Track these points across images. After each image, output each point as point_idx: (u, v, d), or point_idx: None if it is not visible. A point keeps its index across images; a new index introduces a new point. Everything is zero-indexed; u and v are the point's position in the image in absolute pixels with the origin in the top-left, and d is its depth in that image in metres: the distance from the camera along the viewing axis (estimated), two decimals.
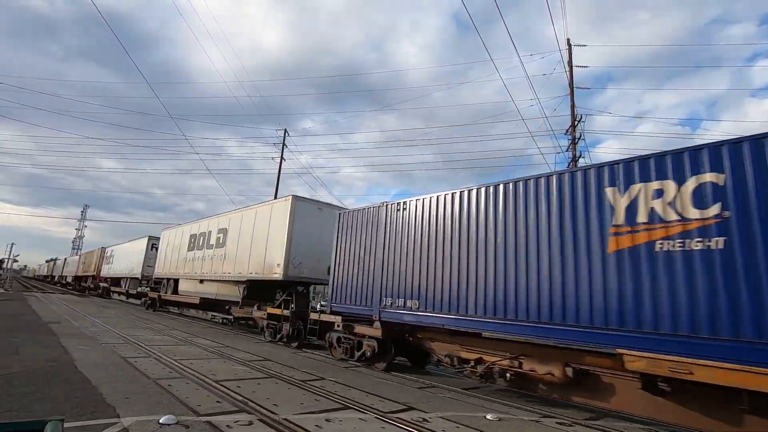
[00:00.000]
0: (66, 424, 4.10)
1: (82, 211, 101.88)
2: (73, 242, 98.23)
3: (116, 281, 30.69)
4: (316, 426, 4.72)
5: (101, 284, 34.10)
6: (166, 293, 20.81)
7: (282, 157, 31.21)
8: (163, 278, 21.43)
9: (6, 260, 46.09)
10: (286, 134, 31.92)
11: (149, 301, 23.31)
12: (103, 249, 34.65)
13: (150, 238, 24.88)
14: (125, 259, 28.33)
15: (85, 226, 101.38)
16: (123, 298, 29.97)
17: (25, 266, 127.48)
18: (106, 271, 32.60)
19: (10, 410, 4.53)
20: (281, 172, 30.90)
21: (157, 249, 23.95)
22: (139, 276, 24.69)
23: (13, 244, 47.66)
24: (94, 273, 35.16)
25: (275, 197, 28.78)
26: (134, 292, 25.95)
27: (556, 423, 5.69)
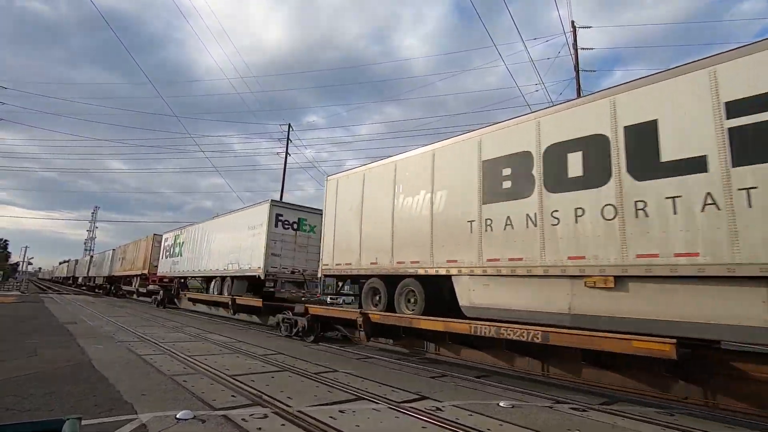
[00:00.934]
0: (85, 422, 4.18)
1: (92, 213, 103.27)
2: (85, 243, 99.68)
3: (172, 281, 23.43)
4: (331, 417, 4.76)
5: (155, 286, 25.49)
6: (390, 312, 9.29)
7: (287, 152, 31.28)
8: (356, 276, 10.71)
9: (21, 263, 47.06)
10: (290, 129, 31.94)
11: (304, 322, 11.59)
12: (157, 236, 26.37)
13: (273, 205, 14.79)
14: (213, 246, 18.31)
15: (96, 227, 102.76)
16: (210, 309, 19.29)
17: (40, 268, 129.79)
18: (168, 267, 23.51)
19: (30, 410, 4.62)
20: (287, 166, 30.99)
21: (286, 224, 14.81)
22: (256, 272, 14.43)
23: (27, 247, 48.64)
24: (144, 271, 26.19)
25: (281, 192, 28.96)
26: (254, 302, 14.70)
27: (570, 408, 5.68)
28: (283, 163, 31.24)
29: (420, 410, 5.21)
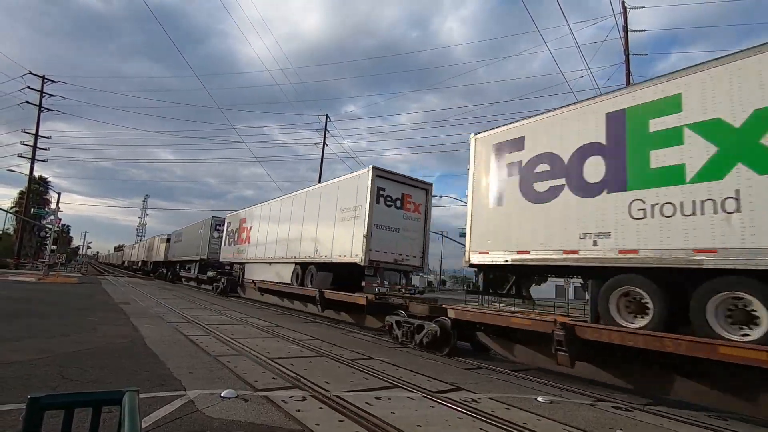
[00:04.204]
0: (140, 395, 4.49)
1: (143, 201, 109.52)
2: (137, 229, 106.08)
3: None
4: (367, 403, 4.85)
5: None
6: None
7: (324, 142, 31.68)
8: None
9: (81, 247, 50.73)
10: (328, 119, 32.28)
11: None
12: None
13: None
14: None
15: (147, 214, 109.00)
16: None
17: (98, 252, 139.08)
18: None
19: (91, 381, 5.01)
20: (324, 156, 31.42)
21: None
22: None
23: (86, 232, 52.35)
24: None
25: (319, 182, 29.49)
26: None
27: (612, 407, 5.48)
28: (321, 153, 31.72)
29: (455, 401, 5.20)
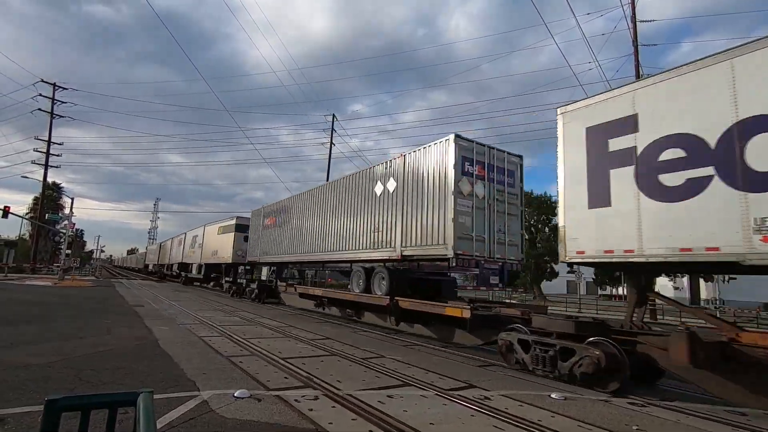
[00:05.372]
0: (154, 396, 4.54)
1: (154, 204, 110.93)
2: (149, 232, 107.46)
3: None
4: (379, 402, 4.84)
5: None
6: None
7: (331, 142, 31.75)
8: None
9: (95, 251, 51.42)
10: (335, 119, 32.34)
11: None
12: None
13: None
14: None
15: (158, 218, 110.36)
16: None
17: (111, 256, 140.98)
18: None
19: (106, 383, 5.08)
20: (332, 156, 31.49)
21: None
22: None
23: (99, 236, 53.12)
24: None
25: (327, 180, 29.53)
26: None
27: (627, 403, 5.41)
28: (329, 152, 31.79)
29: (468, 398, 5.17)
